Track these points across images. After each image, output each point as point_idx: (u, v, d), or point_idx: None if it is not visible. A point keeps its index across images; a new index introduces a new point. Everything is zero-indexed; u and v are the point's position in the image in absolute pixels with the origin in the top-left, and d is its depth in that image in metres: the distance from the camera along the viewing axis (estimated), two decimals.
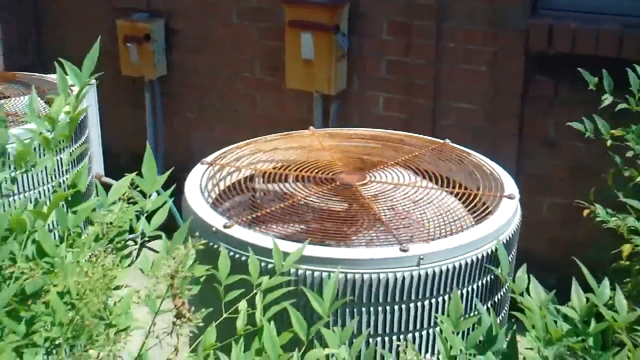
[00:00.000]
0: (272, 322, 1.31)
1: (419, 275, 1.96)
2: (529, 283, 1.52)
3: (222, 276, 1.39)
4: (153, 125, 4.59)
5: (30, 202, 1.40)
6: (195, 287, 1.28)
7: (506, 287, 2.22)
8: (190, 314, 1.18)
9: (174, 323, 1.16)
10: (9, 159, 1.50)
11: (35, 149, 1.47)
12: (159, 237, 1.44)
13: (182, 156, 4.27)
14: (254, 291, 1.42)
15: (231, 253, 1.93)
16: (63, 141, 1.44)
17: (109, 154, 4.17)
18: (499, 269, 1.97)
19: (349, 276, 1.93)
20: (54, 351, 1.19)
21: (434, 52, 3.81)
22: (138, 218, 1.37)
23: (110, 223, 1.28)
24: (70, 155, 1.54)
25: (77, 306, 1.06)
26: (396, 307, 1.97)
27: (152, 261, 1.34)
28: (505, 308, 2.26)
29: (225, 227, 2.06)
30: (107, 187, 1.47)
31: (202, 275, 1.29)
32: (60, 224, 1.28)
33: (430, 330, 2.01)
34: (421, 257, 1.95)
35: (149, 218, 1.41)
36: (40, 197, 2.78)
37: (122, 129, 4.60)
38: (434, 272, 1.97)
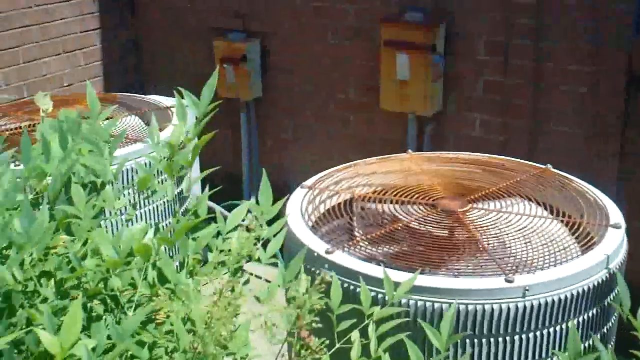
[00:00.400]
0: (386, 353, 1.33)
1: (524, 306, 1.94)
2: None
3: (334, 305, 1.41)
4: (248, 146, 4.67)
5: (124, 225, 1.44)
6: (312, 324, 1.30)
7: (613, 320, 2.18)
8: (316, 346, 1.20)
9: (299, 355, 1.19)
10: (124, 181, 1.55)
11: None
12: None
13: (276, 177, 4.34)
14: (366, 321, 1.44)
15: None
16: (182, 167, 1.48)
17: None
18: (618, 304, 1.94)
19: (461, 307, 1.92)
20: None
21: (532, 72, 3.78)
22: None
23: (229, 250, 1.32)
24: (189, 181, 1.58)
25: (202, 334, 1.10)
26: (500, 339, 1.96)
27: (267, 289, 1.37)
28: (612, 341, 2.22)
29: (327, 252, 2.09)
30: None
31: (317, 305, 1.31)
32: (181, 251, 1.33)
33: None
34: (527, 288, 1.94)
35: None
36: (133, 222, 2.84)
37: (218, 150, 4.70)
38: (540, 303, 1.96)
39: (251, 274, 3.94)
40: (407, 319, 1.81)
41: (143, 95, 3.76)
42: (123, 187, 2.31)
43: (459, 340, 1.91)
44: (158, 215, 2.70)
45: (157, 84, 4.89)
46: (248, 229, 1.31)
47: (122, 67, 4.97)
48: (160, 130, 3.19)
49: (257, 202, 1.49)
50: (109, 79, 4.87)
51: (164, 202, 2.71)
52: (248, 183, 4.72)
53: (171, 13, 4.85)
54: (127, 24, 4.97)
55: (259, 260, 1.42)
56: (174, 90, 1.68)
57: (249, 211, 1.45)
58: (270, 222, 1.47)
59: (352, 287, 1.95)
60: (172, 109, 3.41)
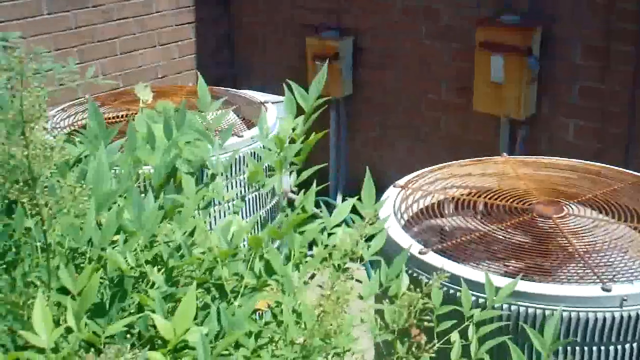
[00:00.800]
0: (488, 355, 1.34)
1: (622, 316, 1.92)
2: None
3: (436, 305, 1.43)
4: (336, 143, 4.71)
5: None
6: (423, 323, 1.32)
7: None
8: (427, 344, 1.22)
9: (410, 353, 1.21)
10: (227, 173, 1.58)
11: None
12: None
13: (364, 176, 4.35)
14: (466, 323, 1.45)
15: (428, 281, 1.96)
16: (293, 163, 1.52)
17: None
18: None
19: (547, 313, 1.92)
20: None
21: (631, 77, 3.71)
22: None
23: (334, 246, 1.35)
24: (298, 177, 1.61)
25: (311, 327, 1.13)
26: (594, 347, 1.94)
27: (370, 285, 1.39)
28: None
29: (420, 253, 2.10)
30: (290, 203, 1.53)
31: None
32: (289, 244, 1.37)
33: None
34: (625, 297, 1.92)
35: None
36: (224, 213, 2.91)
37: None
38: (638, 314, 1.93)
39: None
40: (509, 321, 1.81)
41: (236, 90, 3.83)
42: (233, 177, 2.36)
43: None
44: (257, 204, 2.75)
45: (249, 79, 4.97)
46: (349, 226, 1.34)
47: (215, 60, 5.07)
48: (254, 125, 3.26)
49: (360, 200, 1.52)
50: (201, 72, 4.95)
51: (258, 195, 2.76)
52: (335, 182, 4.76)
53: (265, 8, 4.92)
54: (222, 18, 5.07)
55: (361, 259, 1.45)
56: (284, 84, 1.71)
57: (353, 209, 1.48)
58: None
59: (445, 289, 1.96)
60: (265, 104, 3.46)
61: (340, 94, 4.54)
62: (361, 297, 1.35)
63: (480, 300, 1.77)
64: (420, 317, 1.26)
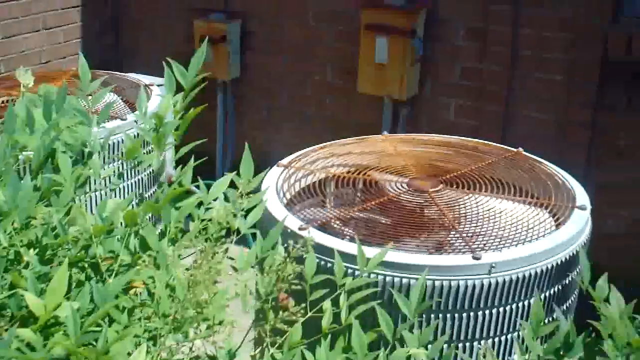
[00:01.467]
0: (356, 321, 1.40)
1: (490, 283, 2.03)
2: (609, 292, 1.57)
3: (308, 275, 1.48)
4: (223, 126, 4.72)
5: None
6: (284, 284, 1.36)
7: (574, 296, 2.28)
8: (293, 307, 1.27)
9: (278, 319, 1.25)
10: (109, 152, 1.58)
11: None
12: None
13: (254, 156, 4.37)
14: (338, 291, 1.51)
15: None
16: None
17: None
18: (579, 277, 2.02)
19: (429, 283, 1.99)
20: (154, 341, 1.28)
21: (509, 59, 3.86)
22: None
23: (209, 220, 1.38)
24: (175, 154, 1.63)
25: (184, 298, 1.16)
26: (465, 314, 2.05)
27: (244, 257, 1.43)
28: (572, 314, 2.33)
29: (300, 229, 2.15)
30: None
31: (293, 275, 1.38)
32: (164, 220, 1.39)
33: (503, 338, 2.08)
34: (493, 265, 2.02)
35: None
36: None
37: (191, 130, 4.71)
38: (504, 280, 2.04)
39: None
40: (377, 289, 1.89)
41: (121, 73, 3.80)
42: (110, 158, 2.35)
43: (424, 315, 2.00)
44: (139, 188, 2.75)
45: (134, 63, 4.91)
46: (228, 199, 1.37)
47: (100, 45, 4.99)
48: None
49: (239, 175, 1.55)
50: (87, 57, 4.86)
51: (144, 177, 2.76)
52: (222, 164, 4.77)
53: None
54: (107, 1, 4.99)
55: (238, 232, 1.48)
56: (163, 61, 1.71)
57: (231, 184, 1.51)
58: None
59: (323, 263, 2.01)
60: (150, 87, 3.45)
61: (228, 76, 4.54)
62: (236, 270, 1.39)
63: (357, 273, 1.84)
64: (290, 282, 1.31)
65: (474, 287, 2.02)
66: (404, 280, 1.99)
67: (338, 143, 2.78)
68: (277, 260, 1.30)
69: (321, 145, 2.76)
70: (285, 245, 1.66)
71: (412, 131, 3.94)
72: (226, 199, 1.53)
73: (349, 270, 1.92)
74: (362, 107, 4.27)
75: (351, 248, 1.89)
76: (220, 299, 1.30)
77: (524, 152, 2.72)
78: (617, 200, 3.76)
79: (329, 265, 1.99)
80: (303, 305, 1.38)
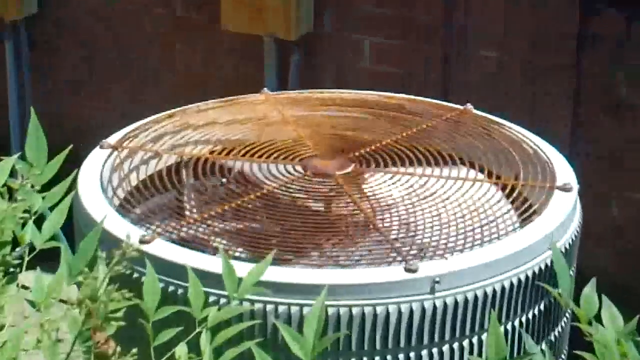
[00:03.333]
0: None
1: (434, 306, 2.04)
2: (600, 307, 1.60)
3: (149, 308, 1.46)
4: (17, 88, 4.61)
5: None
6: (112, 324, 1.34)
7: (566, 317, 2.32)
8: (118, 354, 1.24)
9: None
10: None
11: None
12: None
13: (61, 133, 4.25)
14: (198, 329, 1.49)
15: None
16: None
17: None
18: (556, 290, 2.06)
19: (331, 311, 1.99)
20: None
21: None
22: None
23: None
24: None
25: None
26: (401, 354, 2.05)
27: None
28: (566, 348, 2.37)
29: (142, 242, 2.12)
30: None
31: (119, 309, 1.35)
32: None
33: None
34: (436, 279, 2.03)
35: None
36: None
37: None
38: (456, 301, 2.05)
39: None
40: (257, 321, 1.88)
41: None
42: None
43: (339, 358, 2.01)
44: None
45: None
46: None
47: None
48: None
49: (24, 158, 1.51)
50: None
51: None
52: (18, 138, 4.64)
53: None
54: None
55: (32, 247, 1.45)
56: None
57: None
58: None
59: (180, 291, 2.00)
60: None
61: (20, 13, 4.44)
62: (33, 305, 1.35)
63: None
64: (111, 318, 1.28)
65: (410, 313, 2.02)
66: (296, 309, 1.99)
67: (195, 109, 2.77)
68: (90, 285, 1.27)
69: (169, 113, 2.74)
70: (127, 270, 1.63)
71: (307, 86, 3.92)
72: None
73: (222, 300, 1.91)
74: (231, 54, 4.24)
75: (216, 265, 1.87)
76: (13, 350, 1.27)
77: (475, 111, 2.76)
78: (621, 175, 3.81)
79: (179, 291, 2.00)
80: (133, 351, 1.35)
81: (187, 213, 2.33)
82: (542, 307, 2.20)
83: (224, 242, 2.21)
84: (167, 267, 2.03)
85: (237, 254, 2.14)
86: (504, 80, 3.91)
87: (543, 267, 2.16)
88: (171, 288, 2.02)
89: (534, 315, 2.18)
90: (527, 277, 2.14)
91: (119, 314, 1.39)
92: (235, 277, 1.60)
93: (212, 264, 1.99)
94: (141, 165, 2.52)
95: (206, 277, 1.85)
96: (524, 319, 2.17)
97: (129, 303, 1.38)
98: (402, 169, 2.47)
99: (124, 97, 4.49)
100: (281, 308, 1.98)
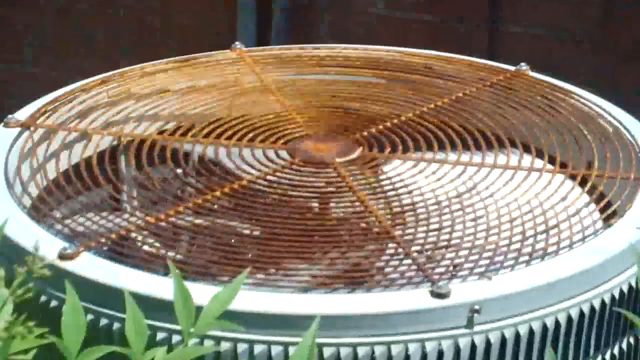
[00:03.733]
0: None
1: (472, 344, 2.02)
2: None
3: (70, 347, 1.45)
4: None
5: None
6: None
7: None
8: None
9: None
10: None
11: None
12: None
13: None
14: None
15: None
16: None
17: None
18: None
19: (328, 351, 1.99)
20: None
21: None
22: None
23: None
24: None
25: None
26: None
27: None
28: None
29: (63, 257, 2.11)
30: None
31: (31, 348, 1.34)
32: None
33: None
34: (476, 307, 2.02)
35: None
36: None
37: None
38: (504, 337, 2.04)
39: None
40: None
41: None
42: None
43: None
44: None
45: None
46: None
47: None
48: None
49: None
50: None
51: None
52: None
53: None
54: None
55: None
56: None
57: None
58: None
59: (116, 325, 1.99)
60: None
61: None
62: None
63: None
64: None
65: (438, 355, 2.01)
66: (278, 350, 1.97)
67: (138, 72, 2.78)
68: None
69: (102, 77, 2.75)
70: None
71: (297, 40, 3.92)
72: None
73: (168, 335, 1.91)
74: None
75: (168, 289, 1.86)
76: None
77: (532, 74, 2.77)
78: None
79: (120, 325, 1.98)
80: None
81: (127, 217, 2.32)
82: (624, 344, 2.20)
83: (178, 256, 2.20)
84: (98, 292, 2.03)
85: (195, 273, 2.13)
86: (566, 34, 3.90)
87: (626, 288, 2.16)
88: (104, 321, 2.01)
89: (612, 356, 2.17)
90: (603, 304, 2.12)
91: (27, 357, 1.38)
92: (192, 305, 1.58)
93: (162, 286, 1.98)
94: (63, 151, 2.52)
95: (153, 306, 1.85)
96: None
97: (40, 342, 1.37)
98: (428, 155, 2.48)
99: (39, 55, 4.49)
100: (258, 348, 1.97)
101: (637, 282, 2.12)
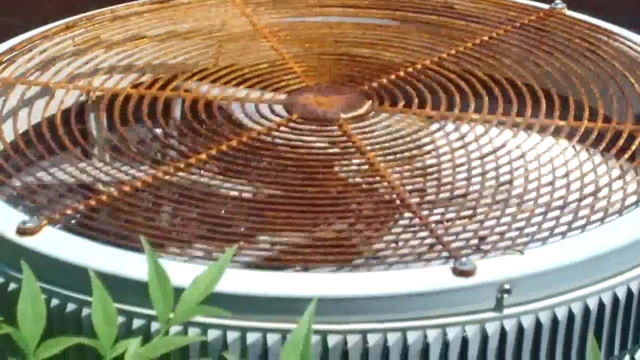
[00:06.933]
0: None
1: (502, 330, 2.02)
2: None
3: (28, 339, 1.46)
4: None
5: None
6: None
7: None
8: None
9: None
10: None
11: None
12: None
13: None
14: None
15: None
16: None
17: None
18: None
19: (332, 339, 1.98)
20: None
21: None
22: None
23: None
24: None
25: None
26: None
27: None
28: None
29: (22, 232, 2.11)
30: None
31: None
32: None
33: None
34: (506, 286, 2.01)
35: None
36: None
37: None
38: (539, 322, 2.04)
39: None
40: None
41: None
42: None
43: None
44: None
45: None
46: None
47: None
48: None
49: None
50: None
51: None
52: None
53: None
54: None
55: None
56: None
57: None
58: None
59: (85, 310, 1.98)
60: None
61: None
62: None
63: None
64: None
65: (462, 342, 2.01)
66: (275, 338, 1.97)
67: (109, 15, 2.80)
68: None
69: (66, 22, 2.75)
70: None
71: None
72: None
73: (146, 322, 1.91)
74: None
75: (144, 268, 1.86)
76: None
77: (569, 12, 2.78)
78: None
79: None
80: None
81: (97, 185, 2.31)
82: None
83: (157, 231, 2.19)
84: (63, 272, 2.03)
85: (175, 250, 2.12)
86: None
87: None
88: (71, 306, 2.00)
89: None
90: None
91: None
92: (170, 287, 1.58)
93: (138, 266, 1.97)
94: (22, 109, 2.52)
95: (128, 288, 1.84)
96: (639, 356, 2.17)
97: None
98: (449, 111, 2.45)
99: None
100: (252, 336, 1.97)
101: None
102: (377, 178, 2.27)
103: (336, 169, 2.33)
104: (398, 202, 2.21)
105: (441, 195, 2.25)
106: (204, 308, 1.59)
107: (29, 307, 1.50)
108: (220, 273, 1.61)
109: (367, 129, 2.40)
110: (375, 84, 2.52)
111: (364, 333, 1.96)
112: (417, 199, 2.22)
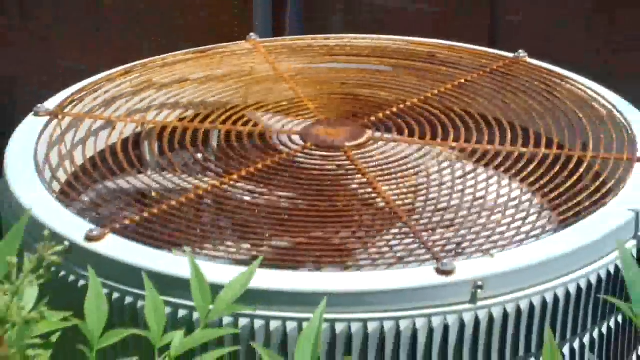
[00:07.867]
0: None
1: (476, 319, 2.01)
2: None
3: (93, 331, 1.43)
4: None
5: None
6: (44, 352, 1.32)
7: None
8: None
9: None
10: None
11: None
12: None
13: None
14: (159, 358, 1.46)
15: (105, 290, 1.95)
16: None
17: None
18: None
19: (339, 327, 1.97)
20: None
21: None
22: None
23: None
24: None
25: None
26: None
27: None
28: None
29: (89, 238, 2.09)
30: None
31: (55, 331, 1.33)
32: None
33: None
34: (479, 283, 2.00)
35: None
36: None
37: None
38: (506, 312, 2.02)
39: None
40: (235, 347, 1.84)
41: None
42: None
43: None
44: None
45: None
46: None
47: None
48: None
49: None
50: None
51: None
52: None
53: None
54: None
55: None
56: None
57: None
58: None
59: (140, 303, 1.97)
60: None
61: None
62: None
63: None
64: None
65: (444, 329, 1.99)
66: (293, 325, 1.96)
67: (159, 62, 2.78)
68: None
69: (125, 68, 2.74)
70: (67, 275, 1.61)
71: (310, 31, 3.90)
72: None
73: (195, 316, 1.89)
74: None
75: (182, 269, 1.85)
76: None
77: (530, 60, 2.77)
78: None
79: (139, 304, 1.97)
80: None
81: (150, 200, 2.30)
82: (610, 324, 2.18)
83: (195, 239, 2.20)
84: (122, 271, 2.02)
85: (212, 252, 2.12)
86: (565, 23, 3.87)
87: (614, 270, 2.14)
88: (128, 299, 1.99)
89: (601, 335, 2.16)
90: (598, 281, 2.11)
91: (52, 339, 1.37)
92: (206, 286, 1.57)
93: (182, 265, 1.96)
94: (89, 138, 2.51)
95: (174, 284, 1.83)
96: (587, 340, 2.15)
97: (64, 325, 1.35)
98: (433, 140, 2.45)
99: (66, 48, 4.46)
100: (274, 324, 1.95)
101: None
102: (375, 194, 2.27)
103: (342, 186, 2.32)
104: (392, 214, 2.21)
105: (427, 208, 2.25)
106: (236, 306, 1.59)
107: (94, 305, 1.49)
108: (250, 278, 1.61)
109: (367, 155, 2.41)
110: (373, 118, 2.53)
111: (364, 321, 1.95)
112: (407, 212, 2.21)
